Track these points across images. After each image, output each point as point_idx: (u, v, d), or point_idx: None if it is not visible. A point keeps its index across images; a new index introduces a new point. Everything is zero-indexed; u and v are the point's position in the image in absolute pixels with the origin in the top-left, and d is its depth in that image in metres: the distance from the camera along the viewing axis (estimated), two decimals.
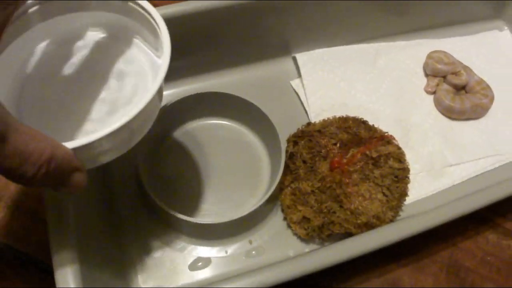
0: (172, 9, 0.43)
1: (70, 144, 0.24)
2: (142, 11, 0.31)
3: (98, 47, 0.33)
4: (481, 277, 0.46)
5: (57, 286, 0.30)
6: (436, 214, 0.40)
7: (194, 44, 0.47)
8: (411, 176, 0.47)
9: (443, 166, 0.49)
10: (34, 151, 0.22)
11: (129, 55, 0.33)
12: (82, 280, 0.30)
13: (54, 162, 0.23)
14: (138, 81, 0.32)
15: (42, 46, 0.32)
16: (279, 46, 0.52)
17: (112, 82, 0.31)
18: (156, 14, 0.30)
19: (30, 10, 0.30)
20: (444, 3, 0.56)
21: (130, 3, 0.31)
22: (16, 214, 0.44)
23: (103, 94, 0.31)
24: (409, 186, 0.46)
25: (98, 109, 0.30)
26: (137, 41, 0.33)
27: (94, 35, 0.33)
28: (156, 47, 0.32)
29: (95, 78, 0.31)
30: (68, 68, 0.32)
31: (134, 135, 0.29)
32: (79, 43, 0.33)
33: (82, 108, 0.30)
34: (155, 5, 0.32)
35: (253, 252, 0.43)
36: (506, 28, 0.61)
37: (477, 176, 0.49)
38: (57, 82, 0.31)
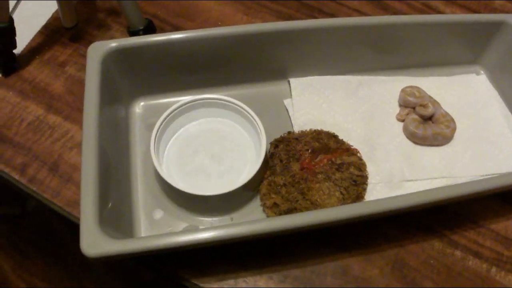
0: (194, 34, 0.61)
1: None
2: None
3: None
4: (422, 275, 0.58)
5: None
6: (384, 201, 0.52)
7: (209, 63, 0.65)
8: (371, 184, 0.61)
9: (401, 180, 0.63)
10: None
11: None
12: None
13: None
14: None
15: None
16: (277, 71, 0.69)
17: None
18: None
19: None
20: (427, 46, 0.71)
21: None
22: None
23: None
24: (367, 192, 0.61)
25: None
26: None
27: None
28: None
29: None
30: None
31: None
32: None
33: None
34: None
35: None
36: (482, 72, 0.75)
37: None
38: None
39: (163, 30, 0.74)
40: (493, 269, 0.60)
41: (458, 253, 0.60)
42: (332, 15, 0.80)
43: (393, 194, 0.62)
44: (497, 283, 0.59)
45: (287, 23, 0.63)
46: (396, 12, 0.82)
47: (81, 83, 0.68)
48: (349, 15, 0.80)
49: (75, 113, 0.65)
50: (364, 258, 0.59)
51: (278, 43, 0.65)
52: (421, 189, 0.62)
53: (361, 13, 0.81)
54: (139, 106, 0.66)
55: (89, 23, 0.75)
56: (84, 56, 0.70)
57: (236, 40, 0.63)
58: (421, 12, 0.83)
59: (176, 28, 0.75)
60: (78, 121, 0.64)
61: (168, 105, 0.63)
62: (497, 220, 0.64)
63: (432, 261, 0.60)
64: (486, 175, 0.65)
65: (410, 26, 0.67)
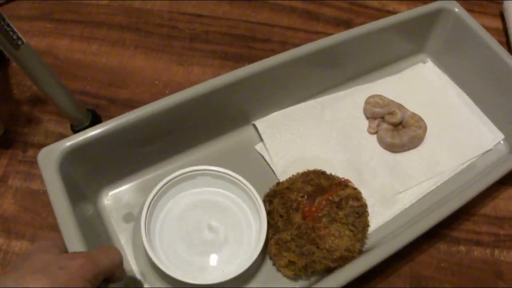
0: (149, 108, 0.56)
1: None
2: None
3: None
4: (439, 281, 0.60)
5: None
6: (396, 241, 0.54)
7: (169, 130, 0.60)
8: (369, 208, 0.61)
9: (393, 194, 0.63)
10: None
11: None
12: None
13: None
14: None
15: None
16: (240, 117, 0.66)
17: None
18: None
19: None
20: (374, 51, 0.71)
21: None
22: None
23: None
24: (369, 217, 0.60)
25: None
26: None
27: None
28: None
29: None
30: None
31: None
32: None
33: None
34: None
35: None
36: (428, 60, 0.77)
37: (424, 196, 0.64)
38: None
39: (98, 106, 0.68)
40: (496, 252, 0.62)
41: (462, 248, 0.62)
42: (267, 40, 0.78)
43: (391, 212, 0.62)
44: (504, 263, 0.62)
45: (243, 69, 0.60)
46: (327, 19, 0.82)
47: (32, 194, 0.61)
48: (283, 34, 0.79)
49: (40, 231, 0.58)
50: (384, 283, 0.59)
51: (237, 91, 0.62)
52: (414, 197, 0.64)
53: (294, 29, 0.79)
54: (108, 197, 0.61)
55: (14, 121, 0.67)
56: (23, 161, 0.63)
57: (194, 101, 0.59)
58: (351, 12, 0.84)
59: (112, 101, 0.69)
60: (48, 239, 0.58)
61: (136, 187, 0.60)
62: (484, 203, 0.66)
63: (443, 264, 0.61)
64: (467, 161, 0.67)
65: (356, 39, 0.67)
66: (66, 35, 0.76)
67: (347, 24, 0.81)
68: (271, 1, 0.82)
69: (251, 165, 0.64)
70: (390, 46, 0.73)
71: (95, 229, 0.56)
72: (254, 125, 0.67)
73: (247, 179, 0.59)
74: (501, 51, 0.68)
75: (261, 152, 0.65)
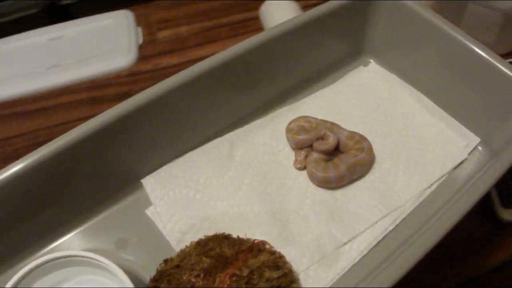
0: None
1: None
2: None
3: None
4: None
5: None
6: None
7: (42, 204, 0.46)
8: (301, 274, 0.45)
9: (335, 248, 0.47)
10: None
11: None
12: None
13: None
14: None
15: None
16: (125, 175, 0.51)
17: None
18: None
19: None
20: (293, 57, 0.55)
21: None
22: None
23: None
24: (303, 285, 0.44)
25: None
26: None
27: None
28: None
29: None
30: None
31: None
32: None
33: None
34: None
35: None
36: (371, 60, 0.61)
37: (379, 243, 0.48)
38: None
39: None
40: None
41: None
42: None
43: (334, 272, 0.46)
44: None
45: (112, 110, 0.46)
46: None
47: None
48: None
49: None
50: None
51: (117, 141, 0.47)
52: (364, 246, 0.48)
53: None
54: None
55: None
56: None
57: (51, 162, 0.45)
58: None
59: None
60: None
61: None
62: None
63: None
64: (435, 181, 0.51)
65: (268, 46, 0.52)
66: None
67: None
68: None
69: (144, 237, 0.49)
70: (319, 51, 0.58)
71: None
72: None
73: (141, 258, 0.44)
74: (463, 35, 0.52)
75: (153, 218, 0.50)
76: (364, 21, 0.58)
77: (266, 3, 0.72)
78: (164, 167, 0.52)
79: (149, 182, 0.51)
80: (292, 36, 0.53)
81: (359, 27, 0.59)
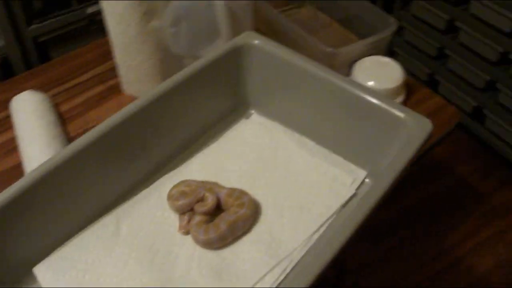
0: None
1: None
2: None
3: None
4: None
5: None
6: None
7: None
8: None
9: None
10: None
11: None
12: None
13: None
14: None
15: None
16: (16, 266, 0.51)
17: None
18: None
19: None
20: (166, 121, 0.57)
21: None
22: None
23: None
24: None
25: None
26: None
27: None
28: None
29: None
30: None
31: None
32: None
33: None
34: None
35: None
36: (253, 111, 0.63)
37: None
38: None
39: None
40: None
41: None
42: None
43: None
44: None
45: None
46: None
47: None
48: None
49: None
50: None
51: None
52: None
53: None
54: None
55: None
56: None
57: None
58: None
59: None
60: None
61: None
62: None
63: None
64: (323, 223, 0.52)
65: (143, 112, 0.53)
66: None
67: None
68: None
69: None
70: (200, 110, 0.59)
71: None
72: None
73: None
74: (328, 72, 0.54)
75: None
76: (239, 72, 0.60)
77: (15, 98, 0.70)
78: (55, 252, 0.52)
79: (40, 270, 0.51)
80: (168, 98, 0.54)
81: (236, 78, 0.61)
